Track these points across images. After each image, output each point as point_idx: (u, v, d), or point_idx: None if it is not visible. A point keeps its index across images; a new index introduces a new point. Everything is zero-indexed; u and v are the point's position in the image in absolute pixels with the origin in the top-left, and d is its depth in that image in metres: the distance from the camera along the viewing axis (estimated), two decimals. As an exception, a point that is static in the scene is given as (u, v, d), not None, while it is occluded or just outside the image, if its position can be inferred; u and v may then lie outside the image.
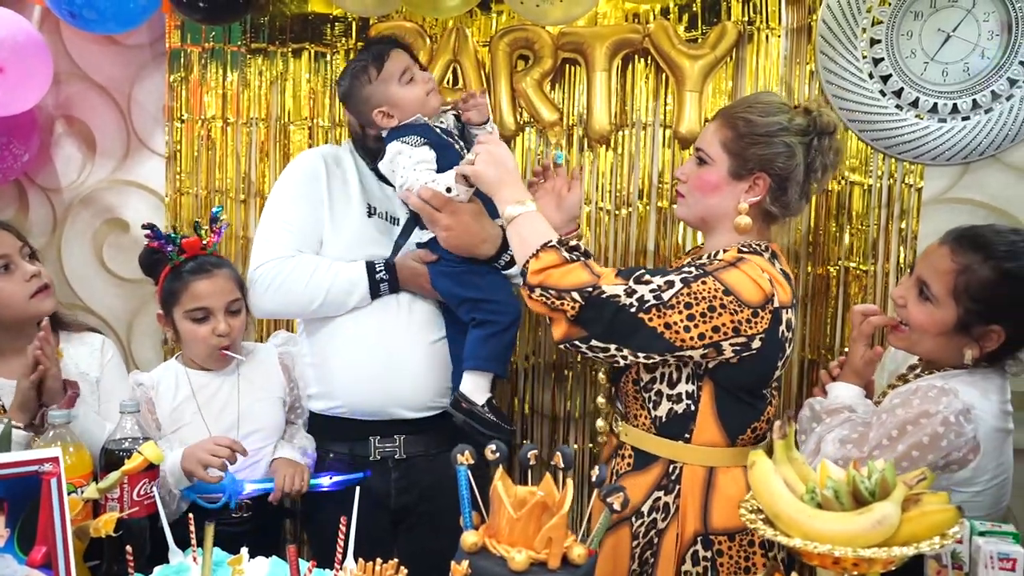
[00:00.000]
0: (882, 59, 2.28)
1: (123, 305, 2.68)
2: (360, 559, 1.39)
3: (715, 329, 1.67)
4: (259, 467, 2.00)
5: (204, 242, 2.00)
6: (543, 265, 1.70)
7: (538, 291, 1.71)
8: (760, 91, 2.33)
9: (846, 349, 2.09)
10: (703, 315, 1.66)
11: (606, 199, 2.49)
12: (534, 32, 2.42)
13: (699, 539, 1.77)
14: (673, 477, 1.79)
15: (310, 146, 2.53)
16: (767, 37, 2.39)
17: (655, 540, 1.79)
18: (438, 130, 2.03)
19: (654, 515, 1.79)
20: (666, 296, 1.67)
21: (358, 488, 1.53)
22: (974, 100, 2.26)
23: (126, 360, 2.37)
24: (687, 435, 1.79)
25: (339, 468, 2.06)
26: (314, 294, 2.03)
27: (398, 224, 2.12)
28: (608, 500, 1.32)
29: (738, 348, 1.70)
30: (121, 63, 2.61)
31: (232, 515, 1.87)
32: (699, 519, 1.77)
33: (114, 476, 1.59)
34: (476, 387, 1.99)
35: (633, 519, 1.80)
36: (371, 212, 2.11)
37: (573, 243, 1.75)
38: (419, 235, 2.08)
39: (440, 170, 1.97)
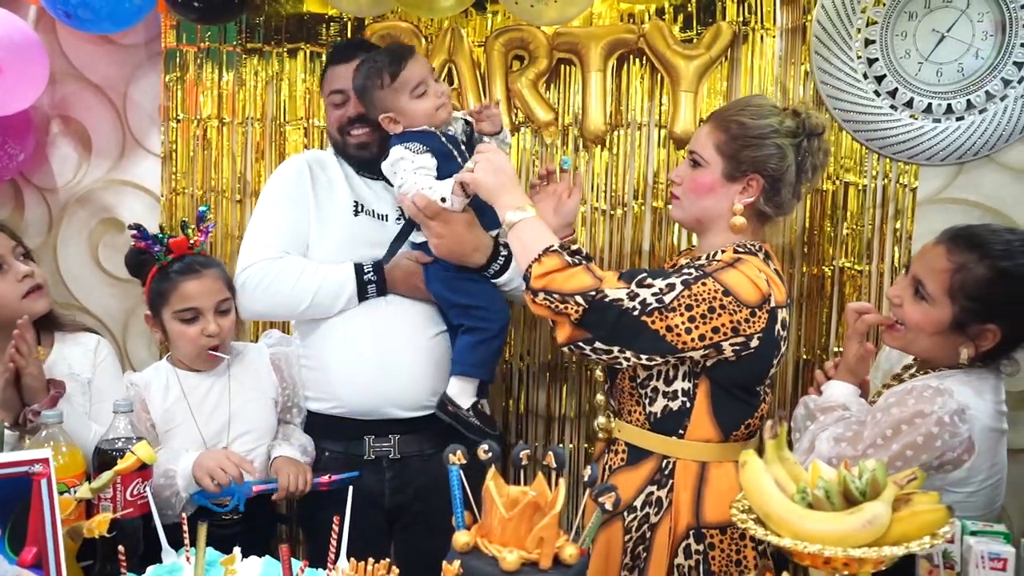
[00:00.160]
0: (876, 59, 2.28)
1: (119, 305, 2.68)
2: (352, 559, 1.39)
3: (715, 330, 1.68)
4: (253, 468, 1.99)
5: (191, 241, 1.98)
6: (546, 269, 1.71)
7: (541, 295, 1.71)
8: (752, 94, 2.33)
9: (840, 349, 2.09)
10: (703, 316, 1.68)
11: (601, 199, 2.49)
12: (529, 32, 2.42)
13: (691, 532, 1.78)
14: (666, 472, 1.80)
15: (306, 146, 2.54)
16: (762, 37, 2.38)
17: (648, 534, 1.80)
18: (443, 138, 2.03)
19: (647, 510, 1.80)
20: (667, 299, 1.68)
21: (351, 488, 1.53)
22: (968, 100, 2.26)
23: (121, 360, 2.36)
24: (681, 431, 1.80)
25: (334, 467, 2.06)
26: (301, 296, 2.03)
27: (387, 220, 2.12)
28: (600, 500, 1.33)
29: (737, 348, 1.72)
30: (117, 63, 2.61)
31: (223, 516, 1.87)
32: (692, 513, 1.78)
33: (107, 476, 1.59)
34: (462, 391, 2.01)
35: (625, 514, 1.81)
36: (358, 210, 2.11)
37: (575, 247, 1.77)
38: (416, 236, 2.09)
39: (440, 178, 1.97)
